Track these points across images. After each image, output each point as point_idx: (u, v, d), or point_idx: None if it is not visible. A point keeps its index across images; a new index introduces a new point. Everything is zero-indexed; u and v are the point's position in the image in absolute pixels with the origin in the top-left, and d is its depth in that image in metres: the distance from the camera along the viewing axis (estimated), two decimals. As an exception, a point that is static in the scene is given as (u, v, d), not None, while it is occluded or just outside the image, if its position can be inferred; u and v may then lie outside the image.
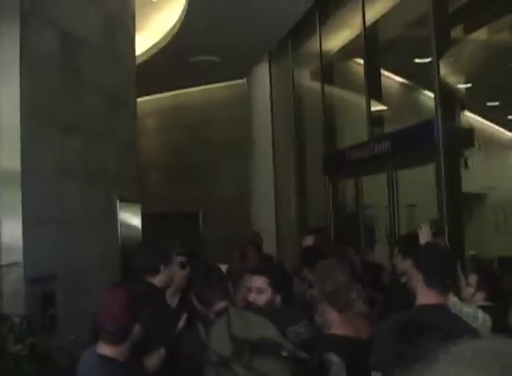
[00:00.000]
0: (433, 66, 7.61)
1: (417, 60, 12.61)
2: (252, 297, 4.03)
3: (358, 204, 10.25)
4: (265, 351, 3.10)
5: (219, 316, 3.54)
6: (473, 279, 4.57)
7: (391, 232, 8.67)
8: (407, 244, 5.32)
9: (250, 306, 3.99)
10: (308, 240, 6.18)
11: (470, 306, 4.14)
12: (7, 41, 5.38)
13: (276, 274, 4.14)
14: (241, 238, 9.36)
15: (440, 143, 7.23)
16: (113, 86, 7.22)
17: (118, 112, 7.39)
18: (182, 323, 4.25)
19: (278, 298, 4.05)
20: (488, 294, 4.50)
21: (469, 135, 7.63)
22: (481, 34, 10.16)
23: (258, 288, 4.01)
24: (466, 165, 14.99)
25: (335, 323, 3.81)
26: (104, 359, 3.38)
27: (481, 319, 4.04)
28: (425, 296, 3.47)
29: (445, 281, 3.52)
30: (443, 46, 7.84)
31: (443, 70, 12.96)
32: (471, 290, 4.54)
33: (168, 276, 4.48)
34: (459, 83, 10.23)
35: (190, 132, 14.98)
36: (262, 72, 13.42)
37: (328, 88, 11.49)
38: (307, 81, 12.81)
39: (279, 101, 13.26)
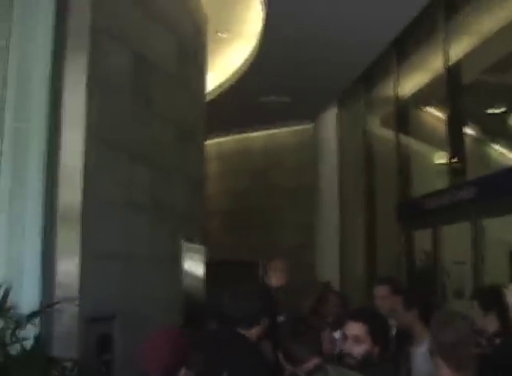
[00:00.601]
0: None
1: (490, 111, 12.18)
2: (348, 346, 3.46)
3: (435, 257, 9.56)
4: None
5: (312, 372, 3.17)
6: None
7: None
8: (488, 297, 4.68)
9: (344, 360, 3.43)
10: (382, 290, 5.54)
11: None
12: (75, 60, 4.95)
13: (376, 321, 3.56)
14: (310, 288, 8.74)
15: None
16: (183, 119, 6.80)
17: (187, 147, 6.95)
18: None
19: (376, 350, 3.46)
20: None
21: None
22: None
23: (356, 337, 3.48)
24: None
25: None
26: None
27: None
28: None
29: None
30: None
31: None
32: None
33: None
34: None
35: (253, 177, 14.56)
36: (331, 117, 13.01)
37: (401, 136, 10.93)
38: (378, 127, 12.30)
39: (347, 147, 12.79)
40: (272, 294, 5.62)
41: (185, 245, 6.73)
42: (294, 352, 3.40)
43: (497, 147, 14.31)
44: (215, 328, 4.51)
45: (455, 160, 9.11)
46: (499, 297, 4.34)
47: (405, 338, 4.92)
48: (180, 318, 6.12)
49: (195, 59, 7.19)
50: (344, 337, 3.59)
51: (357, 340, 3.49)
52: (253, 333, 3.79)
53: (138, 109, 5.76)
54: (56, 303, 4.56)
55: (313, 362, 3.32)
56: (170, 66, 6.37)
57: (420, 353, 4.60)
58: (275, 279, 4.40)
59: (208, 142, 13.32)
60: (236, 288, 4.07)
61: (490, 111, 12.05)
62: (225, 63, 11.08)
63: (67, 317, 4.67)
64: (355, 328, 3.52)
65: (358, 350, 3.46)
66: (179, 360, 3.12)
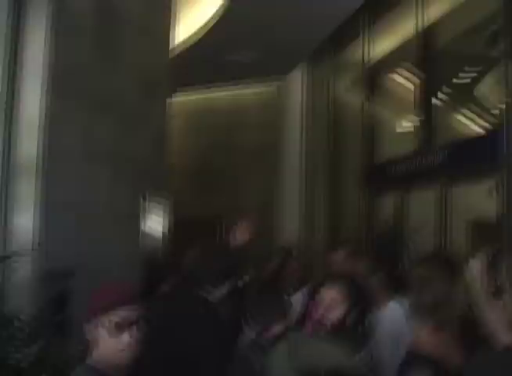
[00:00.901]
0: (503, 69, 6.83)
1: (460, 78, 12.11)
2: (320, 313, 3.30)
3: (400, 223, 9.50)
4: None
5: (275, 342, 3.03)
6: None
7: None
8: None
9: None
10: (339, 255, 5.41)
11: None
12: (35, 8, 4.68)
13: (353, 285, 3.44)
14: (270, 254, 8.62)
15: (506, 156, 6.47)
16: (148, 71, 6.53)
17: (151, 100, 6.68)
18: None
19: (349, 317, 3.33)
20: None
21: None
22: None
23: (331, 302, 3.31)
24: (490, 193, 14.34)
25: (426, 341, 3.07)
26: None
27: None
28: None
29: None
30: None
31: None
32: None
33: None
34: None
35: (216, 136, 14.32)
36: (297, 78, 12.78)
37: (369, 100, 10.77)
38: (345, 90, 12.13)
39: (313, 110, 12.61)
40: (235, 254, 5.42)
41: (147, 201, 6.52)
42: (259, 316, 3.28)
43: (466, 115, 14.34)
44: (174, 288, 4.29)
45: (423, 126, 9.00)
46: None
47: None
48: (139, 275, 5.92)
49: (161, 10, 6.89)
50: (315, 303, 3.41)
51: (331, 306, 3.31)
52: (216, 294, 3.62)
53: (101, 59, 5.49)
54: (8, 257, 4.34)
55: (277, 328, 3.22)
56: (135, 14, 6.08)
57: (384, 317, 4.56)
58: (239, 237, 4.20)
59: (172, 99, 13.06)
60: (200, 247, 3.89)
61: (460, 79, 12.02)
62: (192, 17, 10.75)
63: (22, 272, 4.46)
64: (330, 293, 3.36)
65: (331, 317, 3.30)
66: None
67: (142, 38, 6.28)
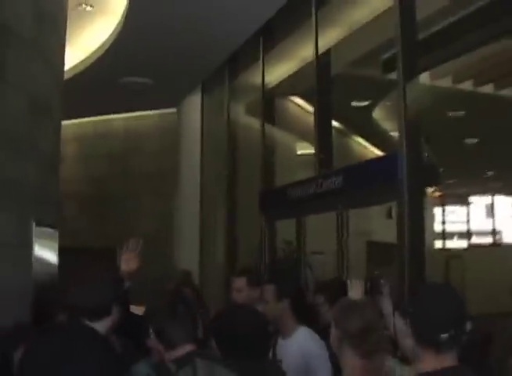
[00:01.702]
0: (399, 98, 6.90)
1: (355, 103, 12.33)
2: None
3: (299, 248, 9.47)
4: None
5: (181, 364, 2.86)
6: None
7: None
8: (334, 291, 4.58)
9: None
10: (238, 282, 5.25)
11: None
12: None
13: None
14: (169, 278, 8.39)
15: (404, 179, 6.51)
16: (39, 91, 6.20)
17: (42, 122, 6.34)
18: None
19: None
20: None
21: (434, 170, 6.99)
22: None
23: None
24: (390, 215, 14.64)
25: (356, 369, 3.03)
26: None
27: None
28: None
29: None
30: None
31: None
32: None
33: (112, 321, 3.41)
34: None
35: (112, 162, 13.98)
36: (195, 102, 12.66)
37: (267, 125, 10.74)
38: (243, 115, 12.08)
39: (211, 134, 12.50)
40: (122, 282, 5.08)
41: (37, 229, 6.15)
42: (169, 333, 3.08)
43: (361, 139, 14.62)
44: (61, 321, 3.98)
45: (320, 151, 9.00)
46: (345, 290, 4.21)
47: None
48: (29, 311, 5.55)
49: (54, 27, 6.58)
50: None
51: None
52: (103, 325, 3.32)
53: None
54: None
55: (185, 348, 3.03)
56: (25, 30, 5.77)
57: (290, 345, 4.43)
58: (126, 263, 3.94)
59: (66, 122, 12.62)
60: (82, 275, 3.60)
61: (355, 104, 12.22)
62: (87, 39, 10.45)
63: None
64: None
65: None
66: None
67: (32, 57, 5.97)
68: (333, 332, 3.19)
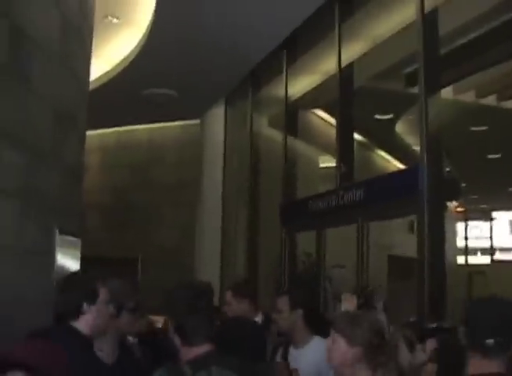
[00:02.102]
0: (421, 111, 6.92)
1: (377, 117, 12.33)
2: None
3: (319, 260, 9.47)
4: None
5: (196, 368, 2.73)
6: (431, 345, 3.66)
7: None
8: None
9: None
10: (227, 296, 5.28)
11: None
12: None
13: None
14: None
15: (424, 192, 6.51)
16: (64, 102, 6.28)
17: (67, 133, 6.43)
18: None
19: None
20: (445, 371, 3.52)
21: (454, 184, 6.99)
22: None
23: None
24: (412, 230, 14.57)
25: None
26: None
27: None
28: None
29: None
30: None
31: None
32: (423, 357, 3.65)
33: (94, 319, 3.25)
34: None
35: (135, 172, 14.08)
36: (218, 114, 12.74)
37: (289, 137, 10.79)
38: (265, 127, 12.13)
39: (233, 146, 12.57)
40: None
41: (60, 238, 6.22)
42: (189, 329, 2.92)
43: (383, 153, 14.60)
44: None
45: (341, 163, 9.03)
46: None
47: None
48: (52, 318, 5.60)
49: (80, 39, 6.68)
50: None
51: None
52: (82, 324, 3.17)
53: (12, 85, 5.24)
54: None
55: (203, 347, 2.89)
56: (52, 42, 5.86)
57: (304, 355, 4.46)
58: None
59: (90, 133, 12.74)
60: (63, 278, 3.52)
61: (378, 117, 12.22)
62: (112, 51, 10.59)
63: None
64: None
65: None
66: None
67: (58, 68, 6.06)
68: (345, 348, 3.12)
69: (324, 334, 4.57)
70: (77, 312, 3.13)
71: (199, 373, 2.69)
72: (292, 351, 4.62)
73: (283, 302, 4.65)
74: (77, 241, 6.89)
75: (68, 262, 6.60)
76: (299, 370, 4.37)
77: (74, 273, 3.50)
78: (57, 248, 6.20)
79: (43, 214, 5.77)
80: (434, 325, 3.96)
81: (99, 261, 11.28)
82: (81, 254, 7.00)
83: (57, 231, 6.11)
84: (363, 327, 3.07)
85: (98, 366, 3.33)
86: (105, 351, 3.51)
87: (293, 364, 4.46)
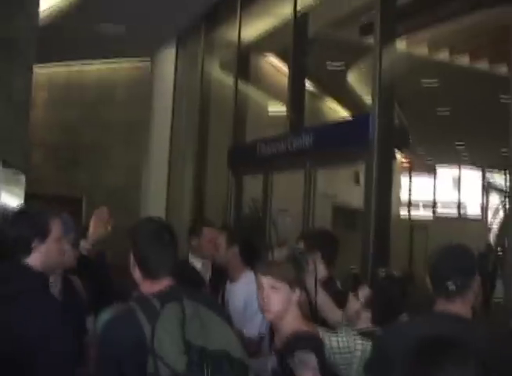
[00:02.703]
0: (375, 61, 6.91)
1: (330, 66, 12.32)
2: None
3: (265, 205, 9.51)
4: (225, 372, 2.43)
5: (165, 300, 2.65)
6: (364, 293, 3.68)
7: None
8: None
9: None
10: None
11: (343, 335, 3.37)
12: None
13: None
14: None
15: (375, 141, 6.55)
16: (12, 33, 6.10)
17: (14, 66, 6.26)
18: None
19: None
20: (378, 317, 3.62)
21: (404, 133, 7.05)
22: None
23: None
24: (357, 181, 14.78)
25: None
26: None
27: (359, 352, 3.29)
28: None
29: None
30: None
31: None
32: (357, 306, 3.68)
33: (46, 255, 3.12)
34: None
35: (84, 111, 13.82)
36: (169, 55, 12.52)
37: (241, 81, 10.69)
38: (217, 70, 12.00)
39: (184, 88, 12.40)
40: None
41: (3, 171, 6.10)
42: (154, 262, 2.85)
43: (333, 103, 14.64)
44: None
45: (292, 111, 9.01)
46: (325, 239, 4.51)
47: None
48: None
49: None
50: None
51: None
52: (33, 260, 3.03)
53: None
54: None
55: (166, 281, 2.84)
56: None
57: (236, 288, 4.70)
58: (94, 230, 3.95)
59: (39, 70, 12.45)
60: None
61: (330, 66, 12.21)
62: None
63: None
64: None
65: None
66: None
67: (7, 2, 5.87)
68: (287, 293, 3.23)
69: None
70: (29, 249, 3.03)
71: (169, 304, 2.61)
72: (228, 286, 4.83)
73: (221, 238, 4.87)
74: (22, 177, 6.77)
75: (11, 197, 6.49)
76: (229, 304, 4.60)
77: (24, 209, 3.33)
78: (0, 185, 6.09)
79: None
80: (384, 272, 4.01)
81: (44, 199, 11.20)
82: (25, 191, 6.89)
83: (0, 164, 5.99)
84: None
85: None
86: (55, 288, 3.51)
87: (227, 297, 4.72)
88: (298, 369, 2.82)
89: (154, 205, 12.17)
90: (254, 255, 4.78)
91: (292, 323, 3.15)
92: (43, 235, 3.06)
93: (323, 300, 3.97)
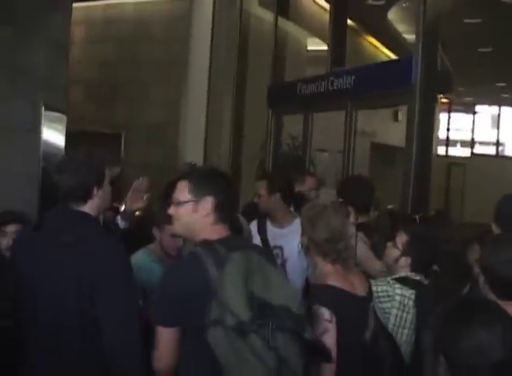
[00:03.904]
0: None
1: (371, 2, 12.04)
2: None
3: (304, 144, 9.47)
4: (287, 327, 2.39)
5: (228, 248, 2.62)
6: (401, 239, 3.67)
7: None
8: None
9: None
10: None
11: (382, 283, 3.45)
12: None
13: None
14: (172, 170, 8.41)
15: (417, 84, 6.45)
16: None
17: (52, 7, 6.21)
18: None
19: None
20: (417, 263, 3.63)
21: (447, 77, 6.91)
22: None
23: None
24: (396, 118, 14.58)
25: (329, 274, 3.19)
26: None
27: (398, 297, 3.37)
28: None
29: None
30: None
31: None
32: (395, 254, 3.67)
33: (102, 201, 3.13)
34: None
35: (121, 48, 13.75)
36: (208, -9, 12.34)
37: (280, 19, 10.53)
38: (256, 7, 11.81)
39: (222, 25, 12.25)
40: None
41: (45, 114, 6.15)
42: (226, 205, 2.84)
43: (373, 40, 14.38)
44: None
45: (333, 48, 8.88)
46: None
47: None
48: (35, 198, 5.59)
49: None
50: None
51: None
52: (90, 208, 3.04)
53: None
54: None
55: (226, 230, 2.84)
56: None
57: (287, 235, 4.69)
58: (130, 203, 3.88)
59: (75, 5, 12.33)
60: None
61: (371, 2, 11.94)
62: None
63: None
64: None
65: None
66: None
67: None
68: (302, 238, 3.35)
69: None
70: (88, 196, 3.02)
71: (236, 253, 2.57)
72: (272, 229, 4.87)
73: (262, 186, 4.82)
74: (63, 117, 6.81)
75: (53, 137, 6.55)
76: (283, 249, 4.64)
77: (75, 156, 3.22)
78: (43, 124, 6.15)
79: (28, 90, 5.68)
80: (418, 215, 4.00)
81: (86, 136, 11.31)
82: (68, 129, 6.94)
83: (43, 107, 6.03)
84: (319, 226, 3.22)
85: None
86: None
87: (275, 242, 4.73)
88: (314, 323, 2.84)
89: (192, 142, 12.18)
90: (299, 200, 4.80)
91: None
92: (101, 181, 3.06)
93: (363, 251, 3.99)
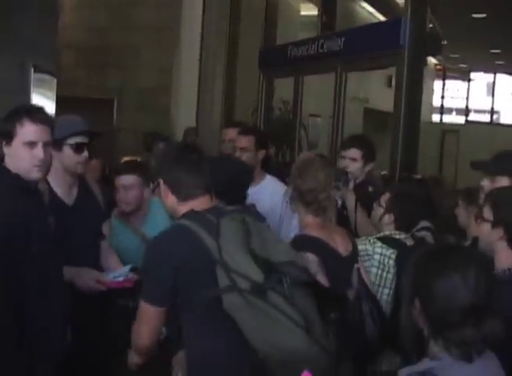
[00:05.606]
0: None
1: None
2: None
3: (295, 107, 9.47)
4: (302, 280, 2.44)
5: (216, 215, 2.57)
6: (385, 197, 3.70)
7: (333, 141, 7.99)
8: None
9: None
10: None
11: (363, 242, 3.50)
12: None
13: None
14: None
15: (406, 45, 6.45)
16: None
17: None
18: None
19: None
20: (399, 221, 3.65)
21: (437, 40, 6.91)
22: None
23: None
24: (389, 84, 14.55)
25: (309, 225, 3.28)
26: None
27: (377, 256, 3.43)
28: None
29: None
30: None
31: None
32: (381, 211, 3.69)
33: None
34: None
35: (113, 13, 13.65)
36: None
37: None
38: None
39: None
40: None
41: (35, 76, 6.14)
42: (187, 183, 2.70)
43: (365, 4, 14.30)
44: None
45: (324, 12, 8.86)
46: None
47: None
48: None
49: None
50: None
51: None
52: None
53: None
54: None
55: (205, 199, 2.71)
56: None
57: (260, 191, 4.59)
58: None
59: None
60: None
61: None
62: None
63: None
64: None
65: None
66: None
67: None
68: (288, 188, 3.42)
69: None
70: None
71: (228, 217, 2.54)
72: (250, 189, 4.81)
73: (250, 141, 4.68)
74: (53, 80, 6.81)
75: (44, 101, 6.55)
76: (255, 206, 4.57)
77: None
78: (32, 87, 6.15)
79: (17, 52, 5.67)
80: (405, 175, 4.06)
81: (77, 101, 11.28)
82: (58, 93, 6.93)
83: (32, 69, 6.03)
84: (306, 176, 3.27)
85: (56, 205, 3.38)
86: (61, 190, 3.57)
87: (252, 200, 4.67)
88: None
89: (185, 107, 12.18)
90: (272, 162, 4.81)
91: None
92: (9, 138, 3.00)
93: (362, 218, 4.02)
